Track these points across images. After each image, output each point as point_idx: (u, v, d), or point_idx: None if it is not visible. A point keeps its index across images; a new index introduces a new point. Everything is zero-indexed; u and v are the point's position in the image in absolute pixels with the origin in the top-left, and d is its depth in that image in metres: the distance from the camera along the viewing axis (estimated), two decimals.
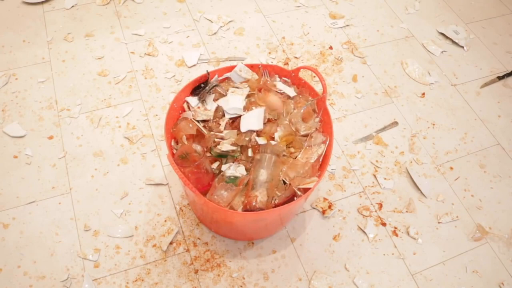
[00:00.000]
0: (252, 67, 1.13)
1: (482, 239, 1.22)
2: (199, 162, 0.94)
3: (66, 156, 1.25)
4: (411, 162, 1.34)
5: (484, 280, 1.15)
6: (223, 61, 1.51)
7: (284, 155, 1.02)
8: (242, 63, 1.13)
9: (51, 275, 1.06)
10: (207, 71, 1.09)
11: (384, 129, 1.41)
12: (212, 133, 1.03)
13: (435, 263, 1.17)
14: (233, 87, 1.11)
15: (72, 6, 1.60)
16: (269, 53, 1.55)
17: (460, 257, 1.18)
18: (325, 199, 1.23)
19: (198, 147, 0.97)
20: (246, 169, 0.99)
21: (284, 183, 0.98)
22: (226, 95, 1.08)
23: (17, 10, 1.58)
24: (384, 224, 1.21)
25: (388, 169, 1.32)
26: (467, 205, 1.28)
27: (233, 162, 1.00)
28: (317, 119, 1.07)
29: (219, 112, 1.06)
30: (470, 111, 1.49)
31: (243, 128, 1.02)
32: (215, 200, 0.92)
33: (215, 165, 1.01)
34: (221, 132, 1.03)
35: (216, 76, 1.12)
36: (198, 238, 1.14)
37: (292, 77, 1.14)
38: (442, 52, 1.60)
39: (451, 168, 1.35)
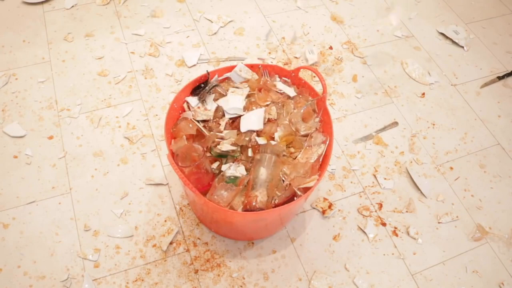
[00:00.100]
0: (252, 67, 1.13)
1: (482, 239, 1.22)
2: (199, 162, 0.94)
3: (66, 156, 1.25)
4: (411, 162, 1.34)
5: (484, 280, 1.15)
6: (223, 61, 1.51)
7: (284, 155, 1.02)
8: (242, 63, 1.13)
9: (51, 275, 1.06)
10: (207, 71, 1.09)
11: (384, 129, 1.41)
12: (212, 133, 1.03)
13: (435, 263, 1.17)
14: (233, 87, 1.11)
15: (72, 6, 1.61)
16: (269, 53, 1.55)
17: (460, 257, 1.18)
18: (325, 199, 1.23)
19: (199, 147, 0.97)
20: (246, 169, 0.99)
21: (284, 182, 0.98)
22: (226, 95, 1.08)
23: (17, 10, 1.58)
24: (384, 224, 1.21)
25: (388, 169, 1.32)
26: (467, 205, 1.28)
27: (233, 162, 1.00)
28: (317, 119, 1.07)
29: (219, 112, 1.06)
30: (470, 111, 1.49)
31: (243, 128, 1.02)
32: (215, 200, 0.92)
33: (215, 165, 1.01)
34: (221, 132, 1.03)
35: (216, 76, 1.12)
36: (198, 238, 1.14)
37: (292, 77, 1.14)
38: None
39: (451, 168, 1.35)
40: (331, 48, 1.59)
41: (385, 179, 1.29)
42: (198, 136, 1.03)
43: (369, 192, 1.27)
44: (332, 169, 1.30)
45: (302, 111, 1.05)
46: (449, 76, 1.58)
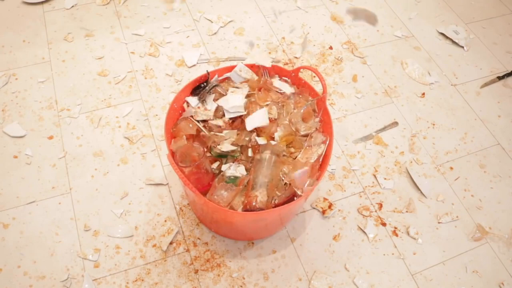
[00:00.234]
0: (252, 67, 1.13)
1: (482, 239, 1.22)
2: (199, 162, 0.94)
3: (66, 156, 1.25)
4: (411, 162, 1.34)
5: (484, 280, 1.15)
6: (223, 61, 1.51)
7: (284, 155, 1.02)
8: (242, 63, 1.13)
9: (51, 275, 1.06)
10: (207, 71, 1.09)
11: (384, 129, 1.41)
12: (212, 133, 1.03)
13: (435, 263, 1.17)
14: (233, 87, 1.11)
15: (72, 6, 1.60)
16: (269, 53, 1.55)
17: (460, 257, 1.18)
18: (325, 199, 1.23)
19: (199, 147, 0.97)
20: (246, 169, 0.99)
21: (284, 183, 0.98)
22: (226, 95, 1.08)
23: (17, 10, 1.58)
24: (384, 224, 1.21)
25: (388, 169, 1.32)
26: (467, 205, 1.28)
27: (233, 162, 1.00)
28: (317, 119, 1.07)
29: (219, 112, 1.06)
30: (470, 111, 1.49)
31: (249, 127, 1.02)
32: (215, 200, 0.92)
33: (215, 165, 1.01)
34: (221, 132, 1.03)
35: (216, 76, 1.12)
36: (198, 238, 1.14)
37: (292, 77, 1.14)
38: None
39: (451, 168, 1.35)
40: (331, 48, 1.59)
41: (385, 179, 1.29)
42: (198, 136, 1.03)
43: (369, 192, 1.27)
44: (332, 169, 1.30)
45: (302, 111, 1.05)
46: (449, 76, 1.58)
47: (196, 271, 1.09)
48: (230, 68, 1.12)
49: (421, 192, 1.28)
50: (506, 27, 1.77)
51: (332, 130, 1.03)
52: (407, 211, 1.24)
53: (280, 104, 1.08)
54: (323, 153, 1.01)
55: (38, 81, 1.40)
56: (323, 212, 1.21)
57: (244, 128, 1.03)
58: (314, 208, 1.22)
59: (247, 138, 1.02)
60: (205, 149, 0.99)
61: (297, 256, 1.14)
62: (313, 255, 1.14)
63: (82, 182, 1.21)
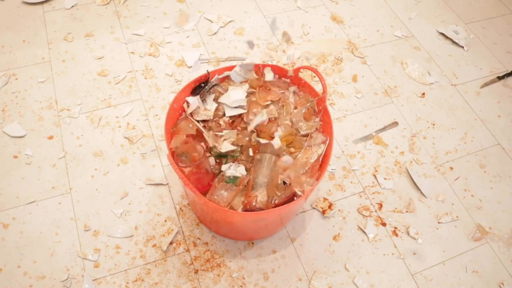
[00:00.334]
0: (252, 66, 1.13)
1: (482, 239, 1.22)
2: (199, 162, 0.94)
3: (66, 156, 1.25)
4: (411, 162, 1.34)
5: (484, 280, 1.15)
6: (223, 61, 1.51)
7: (284, 155, 1.02)
8: (242, 63, 1.13)
9: (51, 275, 1.06)
10: (207, 70, 1.09)
11: (384, 129, 1.41)
12: (211, 132, 1.03)
13: (435, 263, 1.17)
14: (233, 86, 1.11)
15: (72, 6, 1.61)
16: (269, 53, 1.55)
17: (460, 257, 1.18)
18: (325, 199, 1.23)
19: (199, 147, 0.97)
20: (246, 169, 0.99)
21: (284, 183, 0.98)
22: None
23: (17, 10, 1.58)
24: (384, 224, 1.21)
25: (388, 169, 1.32)
26: (467, 205, 1.28)
27: (233, 162, 1.00)
28: (318, 119, 1.07)
29: (219, 112, 1.06)
30: (470, 111, 1.49)
31: (251, 126, 1.02)
32: (215, 200, 0.92)
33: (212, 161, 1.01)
34: (221, 131, 1.03)
35: (216, 75, 1.12)
36: (198, 238, 1.14)
37: (292, 77, 1.14)
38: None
39: (451, 168, 1.35)
40: None
41: (385, 179, 1.29)
42: (198, 136, 1.03)
43: (369, 192, 1.27)
44: (332, 169, 1.30)
45: (303, 111, 1.05)
46: (449, 76, 1.58)
47: (196, 271, 1.09)
48: (230, 68, 1.12)
49: (421, 192, 1.28)
50: (506, 27, 1.77)
51: (332, 130, 1.03)
52: (407, 211, 1.24)
53: (280, 104, 1.08)
54: (323, 153, 1.01)
55: (38, 81, 1.40)
56: (323, 212, 1.21)
57: (244, 128, 1.03)
58: (314, 208, 1.22)
59: (247, 138, 1.02)
60: (205, 149, 0.99)
61: (297, 256, 1.14)
62: (313, 255, 1.14)
63: (82, 182, 1.21)
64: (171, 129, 1.03)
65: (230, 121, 1.06)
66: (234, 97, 1.04)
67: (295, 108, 1.07)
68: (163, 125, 1.18)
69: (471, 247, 1.20)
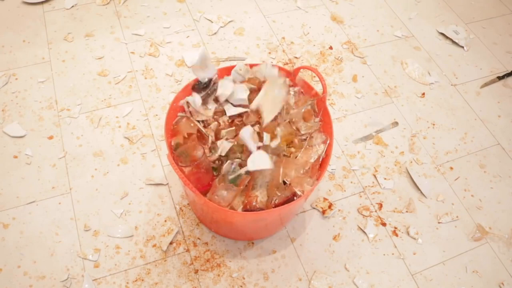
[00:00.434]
0: (252, 66, 1.13)
1: (482, 239, 1.22)
2: (199, 162, 0.94)
3: (66, 156, 1.25)
4: (411, 162, 1.34)
5: (484, 280, 1.15)
6: (223, 61, 1.51)
7: (284, 155, 1.02)
8: (242, 63, 1.13)
9: (51, 275, 1.06)
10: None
11: (384, 129, 1.41)
12: (211, 132, 1.03)
13: (435, 263, 1.17)
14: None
15: (72, 6, 1.61)
16: (269, 53, 1.55)
17: (460, 257, 1.18)
18: (325, 199, 1.23)
19: (200, 147, 0.97)
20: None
21: (284, 183, 0.98)
22: None
23: (17, 10, 1.58)
24: (384, 224, 1.21)
25: (388, 169, 1.32)
26: (467, 205, 1.28)
27: (233, 162, 1.00)
28: (318, 119, 1.07)
29: (220, 111, 1.06)
30: (470, 111, 1.49)
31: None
32: (215, 200, 0.92)
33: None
34: (221, 131, 1.03)
35: (217, 75, 1.11)
36: (198, 238, 1.14)
37: (292, 77, 1.14)
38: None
39: (451, 168, 1.35)
40: (331, 48, 1.59)
41: (385, 179, 1.29)
42: (198, 136, 1.03)
43: (369, 192, 1.27)
44: (332, 169, 1.30)
45: (303, 110, 1.05)
46: (449, 76, 1.58)
47: (196, 271, 1.09)
48: (230, 68, 1.12)
49: (421, 192, 1.28)
50: (506, 27, 1.77)
51: (332, 130, 1.03)
52: (407, 211, 1.24)
53: None
54: (323, 153, 1.01)
55: (38, 81, 1.40)
56: (323, 212, 1.21)
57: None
58: (314, 208, 1.22)
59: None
60: (206, 149, 0.99)
61: (297, 256, 1.14)
62: (313, 255, 1.14)
63: (82, 182, 1.21)
64: (171, 128, 1.03)
65: (230, 121, 1.06)
66: (237, 95, 1.04)
67: (295, 108, 1.07)
68: (163, 125, 1.18)
69: (471, 247, 1.20)
